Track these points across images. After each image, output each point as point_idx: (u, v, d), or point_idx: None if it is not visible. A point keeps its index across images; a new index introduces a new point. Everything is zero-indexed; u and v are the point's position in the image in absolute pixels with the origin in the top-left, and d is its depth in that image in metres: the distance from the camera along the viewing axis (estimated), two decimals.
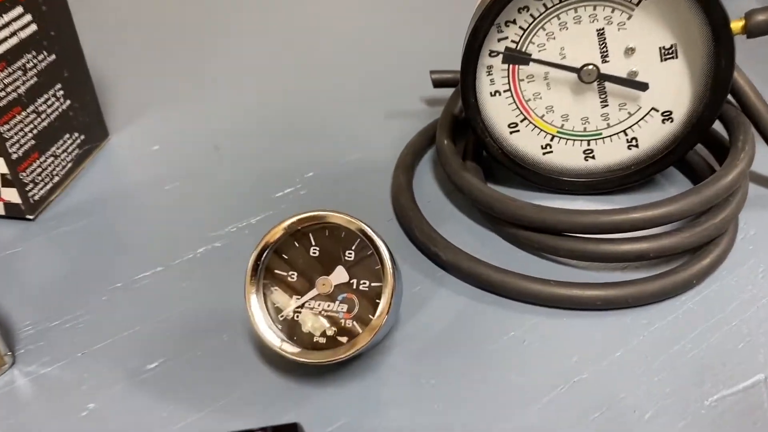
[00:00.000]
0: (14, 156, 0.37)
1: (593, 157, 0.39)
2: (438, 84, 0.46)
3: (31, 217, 0.39)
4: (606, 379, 0.29)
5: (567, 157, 0.39)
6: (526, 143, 0.39)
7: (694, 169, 0.39)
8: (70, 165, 0.42)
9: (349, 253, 0.29)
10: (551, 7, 0.35)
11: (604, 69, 0.36)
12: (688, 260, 0.33)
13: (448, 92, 0.45)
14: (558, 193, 0.40)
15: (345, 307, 0.29)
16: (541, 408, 0.28)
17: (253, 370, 0.30)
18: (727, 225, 0.34)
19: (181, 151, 0.45)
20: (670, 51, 0.35)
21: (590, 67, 0.36)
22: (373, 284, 0.29)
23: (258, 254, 0.29)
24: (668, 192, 0.39)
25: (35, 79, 0.38)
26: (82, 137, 0.43)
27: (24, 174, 0.38)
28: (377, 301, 0.28)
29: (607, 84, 0.37)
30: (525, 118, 0.38)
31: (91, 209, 0.40)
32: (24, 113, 0.37)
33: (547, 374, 0.29)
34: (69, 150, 0.41)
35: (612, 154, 0.39)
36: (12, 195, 0.38)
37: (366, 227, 0.28)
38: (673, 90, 0.36)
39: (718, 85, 0.35)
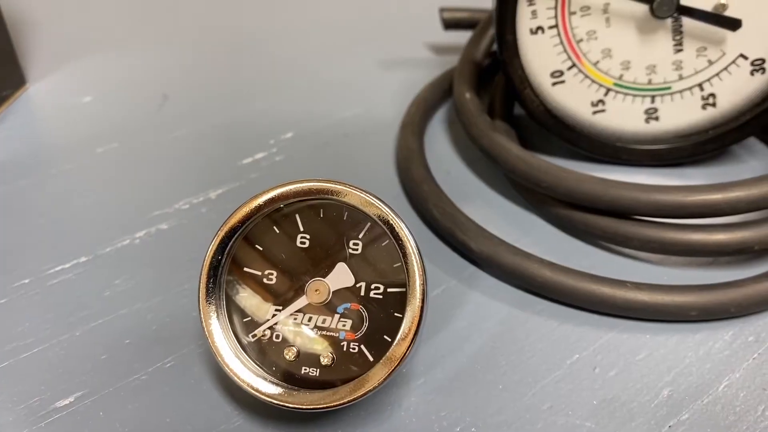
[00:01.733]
0: None
1: (656, 119, 0.30)
2: (450, 24, 0.36)
3: None
4: (712, 423, 0.21)
5: (624, 117, 0.30)
6: (573, 98, 0.30)
7: None
8: None
9: (355, 244, 0.20)
10: None
11: (685, 0, 0.27)
12: None
13: (459, 36, 0.36)
14: (611, 164, 0.31)
15: (349, 323, 0.19)
16: None
17: (213, 409, 0.21)
18: None
19: (119, 104, 0.35)
20: None
21: None
22: (390, 289, 0.19)
23: (218, 246, 0.19)
24: (750, 166, 0.31)
25: None
26: None
27: None
28: (396, 314, 0.19)
29: (686, 21, 0.28)
30: (573, 65, 0.29)
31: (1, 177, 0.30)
32: None
33: (632, 417, 0.21)
34: None
35: (682, 114, 0.30)
36: None
37: (383, 206, 0.19)
38: None
39: None
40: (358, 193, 0.19)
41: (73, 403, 0.21)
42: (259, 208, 0.19)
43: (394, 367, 0.18)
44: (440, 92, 0.34)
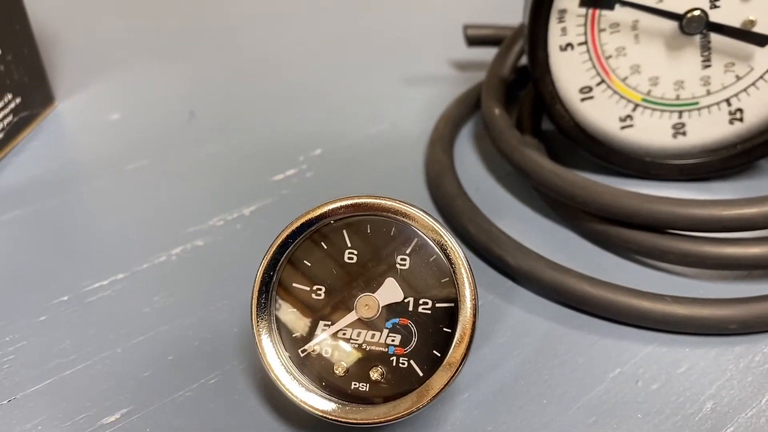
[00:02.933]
0: None
1: (684, 134, 0.30)
2: (474, 41, 0.37)
3: None
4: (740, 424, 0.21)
5: (651, 132, 0.31)
6: (601, 114, 0.30)
7: None
8: (1, 136, 0.32)
9: (403, 260, 0.20)
10: None
11: (714, 16, 0.28)
12: None
13: (481, 53, 0.36)
14: (639, 179, 0.31)
15: (398, 338, 0.20)
16: None
17: (260, 425, 0.21)
18: None
19: (147, 121, 0.35)
20: None
21: (697, 13, 0.28)
22: (438, 304, 0.20)
23: (270, 262, 0.20)
24: None
25: None
26: (18, 100, 0.33)
27: None
28: (445, 329, 0.19)
29: (714, 37, 0.28)
30: (602, 81, 0.29)
31: (28, 195, 0.30)
32: None
33: (677, 430, 0.21)
34: (2, 117, 0.31)
35: (709, 129, 0.30)
36: None
37: (433, 221, 0.19)
38: None
39: None
40: (422, 215, 0.19)
41: (119, 419, 0.21)
42: (309, 223, 0.20)
43: (452, 376, 0.18)
44: (467, 108, 0.34)
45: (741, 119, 0.30)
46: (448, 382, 0.18)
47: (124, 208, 0.30)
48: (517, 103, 0.34)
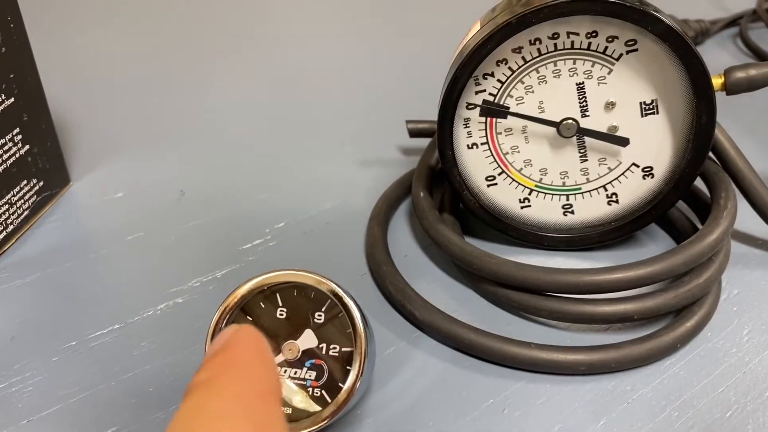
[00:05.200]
0: None
1: (572, 212, 0.38)
2: (414, 134, 0.45)
3: None
4: None
5: (545, 211, 0.38)
6: (504, 197, 0.38)
7: (675, 226, 0.38)
8: (26, 213, 0.40)
9: (319, 315, 0.27)
10: (530, 60, 0.34)
11: (584, 123, 0.35)
12: (672, 322, 0.32)
13: (424, 142, 0.44)
14: (536, 248, 0.38)
15: (313, 374, 0.27)
16: None
17: None
18: (711, 285, 0.33)
19: (146, 199, 0.43)
20: (651, 106, 0.35)
21: (570, 121, 0.35)
22: (344, 348, 0.27)
23: (219, 317, 0.27)
24: (649, 249, 0.38)
25: None
26: (41, 184, 0.41)
27: None
28: (348, 367, 0.27)
29: (587, 139, 0.36)
30: (503, 172, 0.37)
31: (47, 260, 0.38)
32: None
33: None
34: (26, 197, 0.39)
35: (591, 209, 0.38)
36: None
37: (337, 288, 0.27)
38: (654, 145, 0.36)
39: (699, 141, 0.35)
40: (311, 275, 0.27)
41: None
42: (250, 290, 0.27)
43: (341, 406, 0.26)
44: (403, 189, 0.42)
45: (617, 201, 0.37)
46: (337, 412, 0.26)
47: (122, 272, 0.37)
48: (443, 186, 0.41)
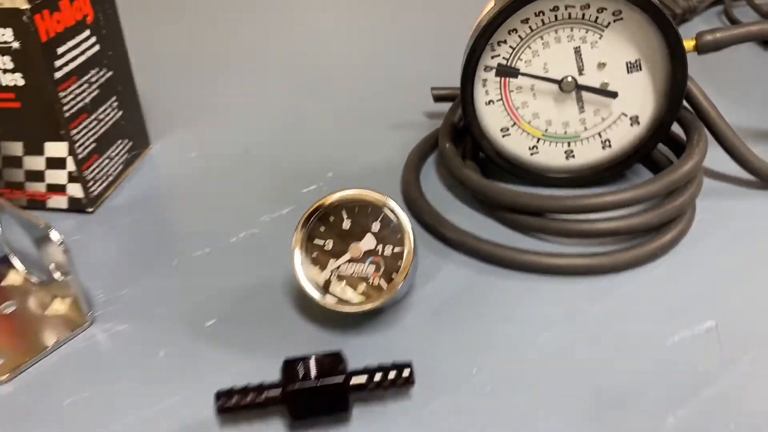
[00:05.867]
0: (80, 156, 0.43)
1: (573, 156, 0.46)
2: (438, 99, 0.53)
3: (90, 210, 0.45)
4: (587, 326, 0.35)
5: (551, 156, 0.46)
6: (516, 145, 0.46)
7: (657, 165, 0.46)
8: (120, 167, 0.48)
9: (376, 225, 0.35)
10: (536, 29, 0.42)
11: (581, 80, 0.43)
12: (653, 236, 0.40)
13: (446, 106, 0.52)
14: (543, 187, 0.46)
15: (373, 267, 0.35)
16: (535, 348, 0.34)
17: (295, 326, 0.36)
18: (685, 207, 0.41)
19: (216, 157, 0.51)
20: (636, 65, 0.43)
21: (569, 79, 0.43)
22: (395, 249, 0.35)
23: (309, 215, 0.35)
24: (635, 183, 0.46)
25: (97, 91, 0.44)
26: (130, 144, 0.49)
27: (86, 172, 0.44)
28: (399, 263, 0.35)
29: (584, 93, 0.44)
30: (515, 124, 0.45)
31: (140, 205, 0.46)
32: (88, 120, 0.43)
33: (538, 321, 0.36)
34: (120, 154, 0.48)
35: (589, 153, 0.46)
36: (76, 190, 0.44)
37: (391, 202, 0.35)
38: (639, 97, 0.43)
39: (675, 93, 0.42)
40: (372, 193, 0.35)
41: (214, 324, 0.36)
42: (334, 200, 0.35)
43: (397, 287, 0.34)
44: (430, 144, 0.50)
45: (610, 146, 0.45)
46: (396, 291, 0.34)
47: (204, 211, 0.45)
48: (464, 140, 0.49)
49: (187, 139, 0.54)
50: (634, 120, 0.44)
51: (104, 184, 0.46)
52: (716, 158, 0.45)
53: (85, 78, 0.43)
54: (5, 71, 0.39)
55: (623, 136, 0.45)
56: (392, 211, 0.35)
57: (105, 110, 0.45)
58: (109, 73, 0.45)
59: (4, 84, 0.40)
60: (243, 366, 0.34)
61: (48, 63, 0.39)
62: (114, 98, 0.46)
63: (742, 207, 0.44)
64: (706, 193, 0.44)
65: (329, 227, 0.36)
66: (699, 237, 0.41)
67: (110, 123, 0.46)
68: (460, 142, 0.49)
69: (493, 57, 0.43)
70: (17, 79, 0.40)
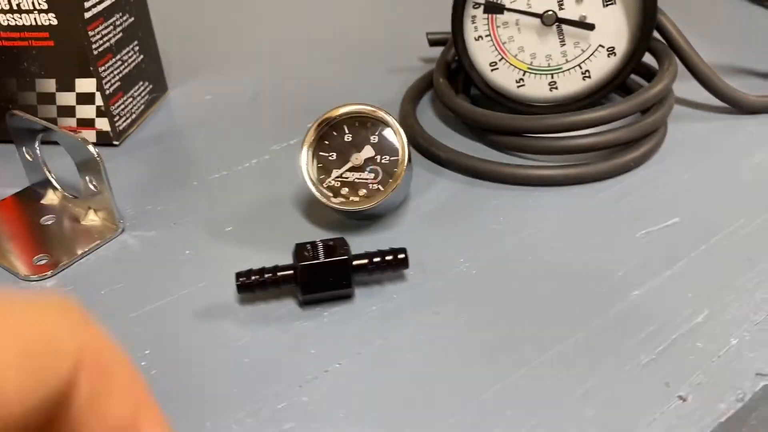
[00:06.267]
0: (107, 92, 0.47)
1: (557, 88, 0.50)
2: (433, 43, 0.57)
3: (116, 143, 0.49)
4: (566, 224, 0.40)
5: (536, 88, 0.50)
6: (504, 78, 0.50)
7: (632, 92, 0.50)
8: (142, 107, 0.52)
9: (374, 137, 0.40)
10: None
11: (561, 14, 0.47)
12: (627, 148, 0.44)
13: (439, 51, 0.56)
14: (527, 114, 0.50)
15: (372, 174, 0.39)
16: (516, 242, 0.39)
17: (304, 231, 0.40)
18: (657, 125, 0.45)
19: (228, 100, 0.56)
20: None
21: (550, 12, 0.47)
22: (392, 158, 0.39)
23: (315, 131, 0.40)
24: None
25: (121, 34, 0.49)
26: (150, 86, 0.53)
27: (113, 107, 0.48)
28: (395, 170, 0.39)
29: (564, 26, 0.48)
30: (502, 58, 0.49)
31: (161, 139, 0.51)
32: (114, 59, 0.48)
33: (521, 223, 0.40)
34: (142, 94, 0.52)
35: (571, 84, 0.50)
36: (104, 124, 0.48)
37: (387, 116, 0.39)
38: (614, 30, 0.47)
39: (646, 24, 0.46)
40: (371, 107, 0.39)
41: (232, 229, 0.41)
42: (332, 116, 0.40)
43: (394, 187, 0.38)
44: (426, 82, 0.54)
45: (590, 77, 0.49)
46: (392, 190, 0.38)
47: (219, 141, 0.50)
48: (457, 77, 0.53)
49: (202, 85, 0.58)
50: (611, 51, 0.48)
51: (128, 121, 0.51)
52: (688, 89, 0.49)
53: (111, 20, 0.47)
54: (40, 11, 0.44)
55: (601, 67, 0.49)
56: (388, 124, 0.39)
57: (128, 53, 0.50)
58: (131, 19, 0.50)
59: (39, 23, 0.44)
60: (259, 259, 0.38)
61: (79, 4, 0.44)
62: (135, 42, 0.51)
63: (709, 128, 0.48)
64: (678, 118, 0.48)
65: (333, 141, 0.40)
66: (669, 153, 0.46)
67: (133, 65, 0.50)
68: (453, 81, 0.53)
69: None
70: (51, 19, 0.44)
